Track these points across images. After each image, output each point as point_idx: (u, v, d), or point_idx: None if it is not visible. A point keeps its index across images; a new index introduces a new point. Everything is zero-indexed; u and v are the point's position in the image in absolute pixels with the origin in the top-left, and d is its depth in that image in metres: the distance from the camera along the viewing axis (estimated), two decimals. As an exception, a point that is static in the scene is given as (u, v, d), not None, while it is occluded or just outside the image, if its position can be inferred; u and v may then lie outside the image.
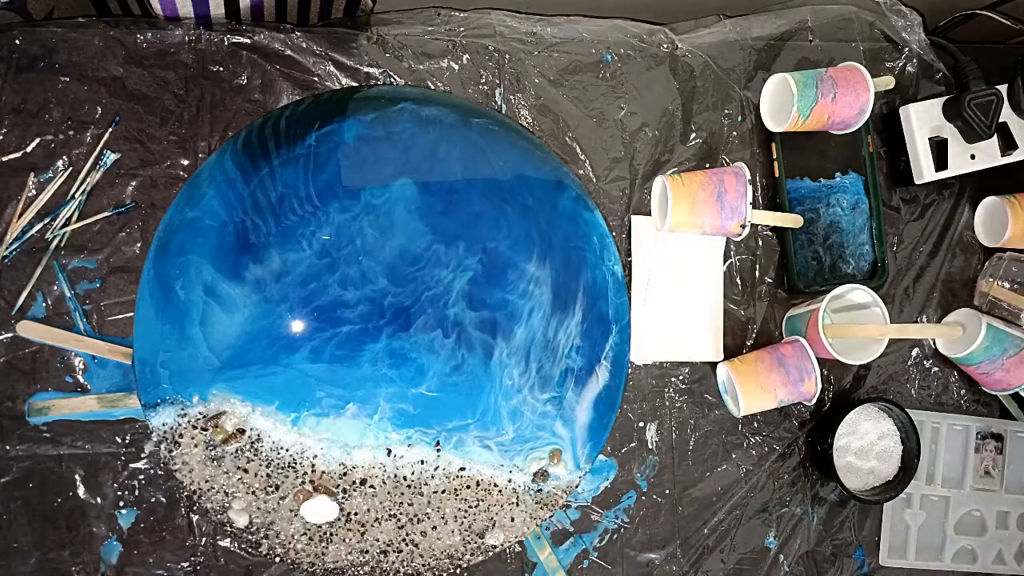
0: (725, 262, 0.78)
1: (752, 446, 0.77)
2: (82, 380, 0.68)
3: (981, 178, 0.82)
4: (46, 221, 0.68)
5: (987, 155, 0.79)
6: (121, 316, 0.68)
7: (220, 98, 0.71)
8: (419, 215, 0.69)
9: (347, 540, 0.68)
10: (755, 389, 0.72)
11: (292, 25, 0.73)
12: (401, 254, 0.68)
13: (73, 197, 0.68)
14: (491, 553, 0.70)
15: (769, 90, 0.76)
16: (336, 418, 0.67)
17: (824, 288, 0.76)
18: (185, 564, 0.68)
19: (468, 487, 0.69)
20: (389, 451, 0.68)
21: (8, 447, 0.66)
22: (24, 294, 0.67)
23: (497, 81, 0.75)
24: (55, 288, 0.68)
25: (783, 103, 0.74)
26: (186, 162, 0.70)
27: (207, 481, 0.67)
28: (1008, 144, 0.79)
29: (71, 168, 0.68)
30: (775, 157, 0.77)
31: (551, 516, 0.72)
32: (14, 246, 0.67)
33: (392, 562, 0.69)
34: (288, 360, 0.66)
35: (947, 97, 0.78)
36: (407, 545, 0.69)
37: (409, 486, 0.69)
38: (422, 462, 0.69)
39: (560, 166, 0.74)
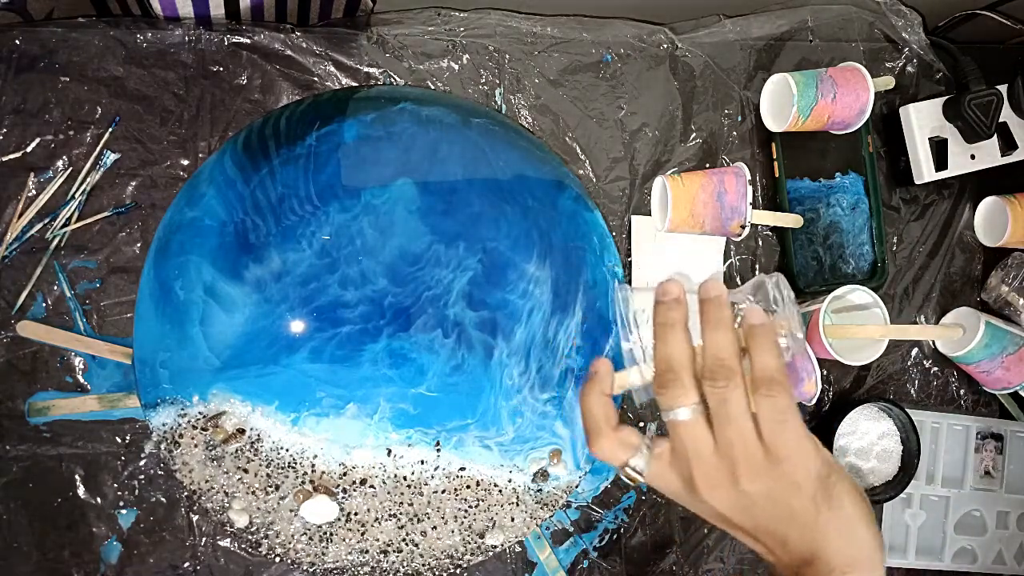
0: (725, 262, 0.78)
1: (752, 446, 0.77)
2: (82, 380, 0.68)
3: (981, 178, 0.82)
4: (46, 221, 0.68)
5: (987, 155, 0.79)
6: (121, 316, 0.68)
7: (220, 98, 0.71)
8: (419, 215, 0.69)
9: (347, 540, 0.68)
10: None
11: (292, 25, 0.73)
12: (401, 254, 0.68)
13: (73, 197, 0.68)
14: (491, 553, 0.70)
15: (769, 90, 0.76)
16: (336, 418, 0.67)
17: (824, 288, 0.76)
18: (185, 564, 0.68)
19: (468, 487, 0.69)
20: (389, 451, 0.68)
21: (8, 447, 0.66)
22: (24, 294, 0.67)
23: (497, 81, 0.75)
24: (55, 288, 0.68)
25: (783, 103, 0.74)
26: (186, 162, 0.70)
27: (207, 481, 0.67)
28: (1008, 144, 0.79)
29: (71, 168, 0.68)
30: (775, 157, 0.77)
31: (551, 516, 0.72)
32: (14, 246, 0.67)
33: (392, 562, 0.69)
34: (288, 360, 0.66)
35: (947, 97, 0.78)
36: (407, 545, 0.69)
37: (409, 486, 0.69)
38: (422, 462, 0.69)
39: (560, 166, 0.74)
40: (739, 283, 0.78)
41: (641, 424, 0.75)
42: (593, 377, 0.52)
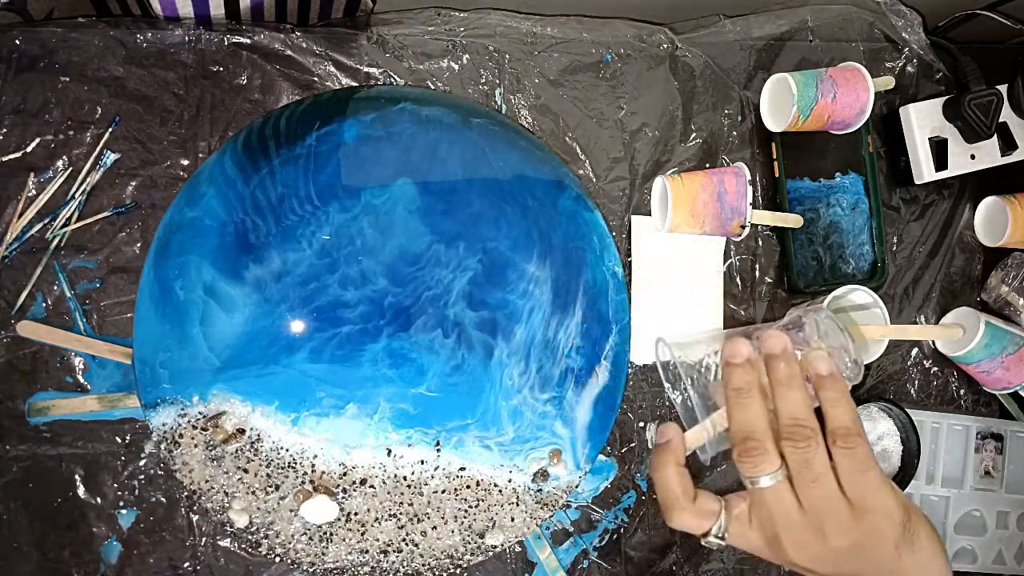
0: (725, 262, 0.78)
1: (752, 446, 0.77)
2: (82, 380, 0.68)
3: (981, 178, 0.82)
4: (46, 221, 0.68)
5: (987, 155, 0.79)
6: (121, 316, 0.68)
7: (220, 98, 0.71)
8: (419, 215, 0.69)
9: (347, 540, 0.68)
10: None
11: (292, 25, 0.73)
12: (401, 254, 0.68)
13: (73, 197, 0.68)
14: (491, 553, 0.70)
15: (769, 90, 0.76)
16: (336, 418, 0.67)
17: (824, 288, 0.76)
18: (185, 564, 0.68)
19: (468, 487, 0.69)
20: (389, 451, 0.68)
21: (8, 447, 0.66)
22: (24, 294, 0.67)
23: (497, 81, 0.75)
24: (55, 288, 0.68)
25: (783, 103, 0.74)
26: (186, 162, 0.70)
27: (207, 481, 0.67)
28: (1008, 144, 0.79)
29: (71, 168, 0.68)
30: (775, 157, 0.77)
31: (551, 516, 0.72)
32: (14, 246, 0.67)
33: (392, 562, 0.69)
34: (288, 360, 0.66)
35: (947, 97, 0.78)
36: (407, 545, 0.69)
37: (409, 486, 0.69)
38: (422, 462, 0.69)
39: (560, 166, 0.74)
40: (739, 283, 0.78)
41: (641, 424, 0.75)
42: (665, 447, 0.50)
